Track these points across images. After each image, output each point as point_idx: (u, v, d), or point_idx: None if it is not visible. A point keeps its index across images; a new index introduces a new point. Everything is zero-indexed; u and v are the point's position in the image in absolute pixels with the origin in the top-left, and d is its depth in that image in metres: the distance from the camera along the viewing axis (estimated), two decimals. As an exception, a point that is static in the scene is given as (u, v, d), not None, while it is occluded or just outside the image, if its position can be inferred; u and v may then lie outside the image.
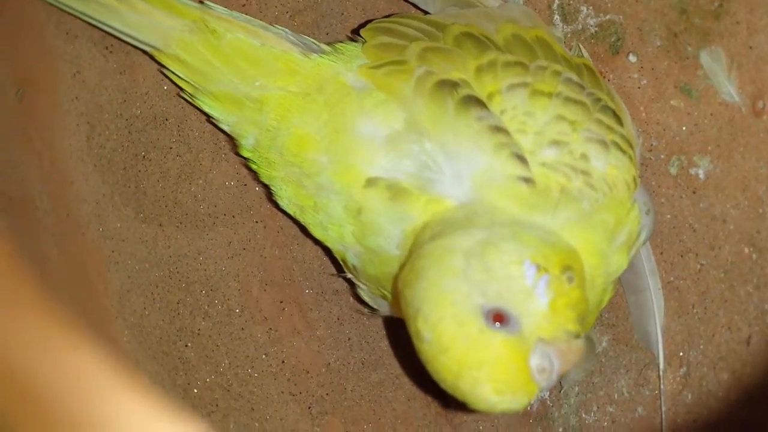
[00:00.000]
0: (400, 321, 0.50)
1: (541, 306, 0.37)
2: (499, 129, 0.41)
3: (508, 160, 0.41)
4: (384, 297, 0.47)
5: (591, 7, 0.47)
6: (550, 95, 0.42)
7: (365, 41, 0.46)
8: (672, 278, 0.46)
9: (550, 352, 0.36)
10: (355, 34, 0.49)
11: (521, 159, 0.41)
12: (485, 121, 0.41)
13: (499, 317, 0.37)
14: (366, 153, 0.43)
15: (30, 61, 0.46)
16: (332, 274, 0.55)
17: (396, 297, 0.42)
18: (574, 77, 0.43)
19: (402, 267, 0.41)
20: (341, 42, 0.47)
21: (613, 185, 0.42)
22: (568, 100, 0.42)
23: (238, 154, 0.49)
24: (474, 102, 0.42)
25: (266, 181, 0.48)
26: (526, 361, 0.36)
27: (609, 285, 0.42)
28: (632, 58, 0.47)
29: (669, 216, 0.47)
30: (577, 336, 0.37)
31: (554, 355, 0.36)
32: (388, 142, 0.42)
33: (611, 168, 0.42)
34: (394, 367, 0.55)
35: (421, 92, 0.42)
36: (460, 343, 0.37)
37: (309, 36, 0.50)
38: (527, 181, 0.41)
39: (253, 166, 0.48)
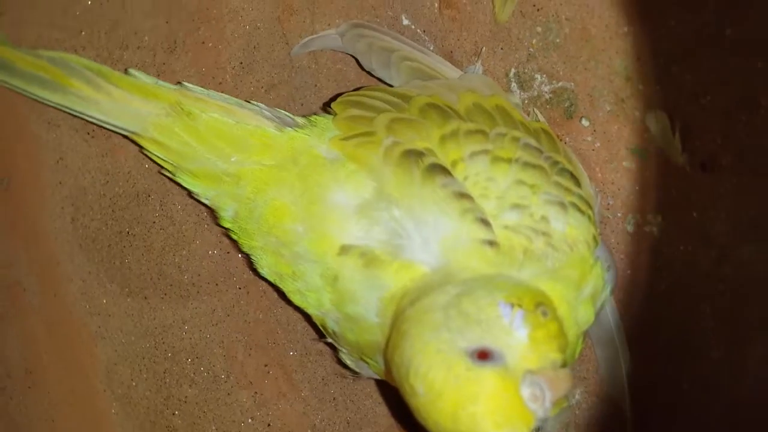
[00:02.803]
0: (384, 381, 0.51)
1: (521, 338, 0.38)
2: (463, 195, 0.43)
3: (473, 224, 0.42)
4: (364, 360, 0.48)
5: (545, 75, 0.50)
6: (509, 161, 0.44)
7: (336, 113, 0.48)
8: (635, 331, 0.48)
9: (539, 381, 0.37)
10: (327, 106, 0.51)
11: (485, 223, 0.42)
12: (450, 187, 0.43)
13: (483, 354, 0.38)
14: (339, 222, 0.44)
15: (14, 152, 0.48)
16: (314, 339, 0.56)
17: (389, 367, 0.43)
18: (533, 142, 0.45)
19: (387, 336, 0.43)
20: (315, 114, 0.49)
21: (574, 245, 0.43)
22: (527, 164, 0.44)
23: (219, 225, 0.51)
24: (439, 170, 0.43)
25: (246, 251, 0.49)
26: (517, 390, 0.37)
27: (579, 336, 0.44)
28: (585, 123, 0.49)
29: (629, 271, 0.48)
30: (564, 365, 0.38)
31: (544, 384, 0.37)
32: (360, 211, 0.44)
33: (571, 228, 0.43)
34: (379, 425, 0.56)
35: (389, 162, 0.44)
36: (452, 384, 0.37)
37: (284, 108, 0.52)
38: (492, 243, 0.42)
39: (234, 237, 0.50)
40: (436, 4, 0.52)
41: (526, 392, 0.37)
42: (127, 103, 0.47)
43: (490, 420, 0.37)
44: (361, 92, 0.50)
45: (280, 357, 0.56)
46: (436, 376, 0.38)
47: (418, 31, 0.54)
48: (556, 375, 0.38)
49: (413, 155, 0.44)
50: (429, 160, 0.44)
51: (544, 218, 0.43)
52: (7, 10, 0.46)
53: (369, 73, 0.54)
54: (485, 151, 0.44)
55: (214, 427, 0.54)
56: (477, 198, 0.43)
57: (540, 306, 0.39)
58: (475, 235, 0.42)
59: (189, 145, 0.48)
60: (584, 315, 0.43)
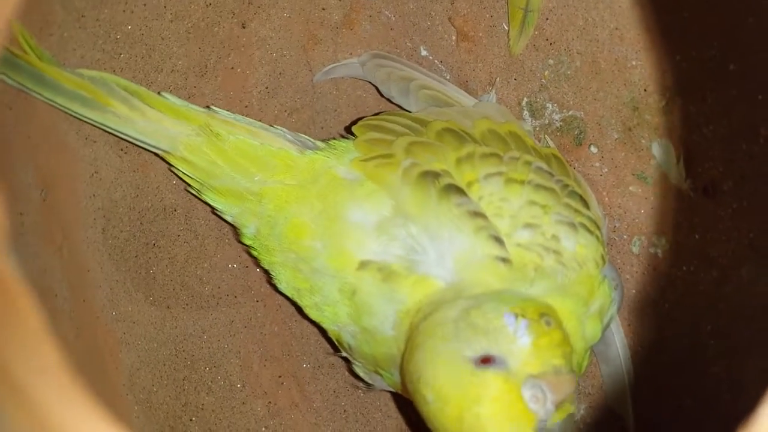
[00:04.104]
0: (394, 393, 0.53)
1: (524, 345, 0.40)
2: (477, 214, 0.45)
3: (487, 241, 0.44)
4: (378, 373, 0.49)
5: (555, 105, 0.52)
6: (522, 182, 0.46)
7: (356, 136, 0.50)
8: (639, 348, 0.50)
9: (540, 384, 0.39)
10: (346, 130, 0.53)
11: (498, 240, 0.44)
12: (465, 206, 0.45)
13: (486, 360, 0.40)
14: (358, 238, 0.46)
15: (53, 165, 0.49)
16: (328, 353, 0.57)
17: (403, 379, 0.44)
18: (544, 166, 0.47)
19: (401, 350, 0.44)
20: (334, 139, 0.51)
21: (583, 263, 0.45)
22: (539, 186, 0.46)
23: (240, 242, 0.53)
24: (454, 190, 0.45)
25: (266, 267, 0.51)
26: (519, 391, 0.39)
27: (587, 351, 0.45)
28: (594, 149, 0.52)
29: (634, 291, 0.50)
30: (567, 370, 0.40)
31: (545, 387, 0.39)
32: (378, 228, 0.46)
33: (580, 247, 0.45)
34: (389, 438, 0.58)
35: (407, 182, 0.46)
36: (457, 389, 0.40)
37: (306, 131, 0.54)
38: (504, 260, 0.44)
39: (254, 253, 0.51)
40: (454, 37, 0.55)
41: (527, 394, 0.39)
42: (159, 122, 0.49)
43: (493, 420, 0.39)
44: (380, 117, 0.52)
45: (293, 369, 0.58)
46: (443, 383, 0.40)
47: (436, 61, 0.56)
48: (557, 378, 0.40)
49: (430, 176, 0.46)
50: (445, 180, 0.46)
51: (555, 237, 0.45)
52: (55, 31, 0.48)
53: (388, 99, 0.56)
54: (499, 173, 0.46)
55: (229, 435, 0.55)
56: (491, 217, 0.45)
57: (544, 316, 0.41)
58: (489, 251, 0.44)
59: (216, 164, 0.49)
60: (592, 330, 0.45)
